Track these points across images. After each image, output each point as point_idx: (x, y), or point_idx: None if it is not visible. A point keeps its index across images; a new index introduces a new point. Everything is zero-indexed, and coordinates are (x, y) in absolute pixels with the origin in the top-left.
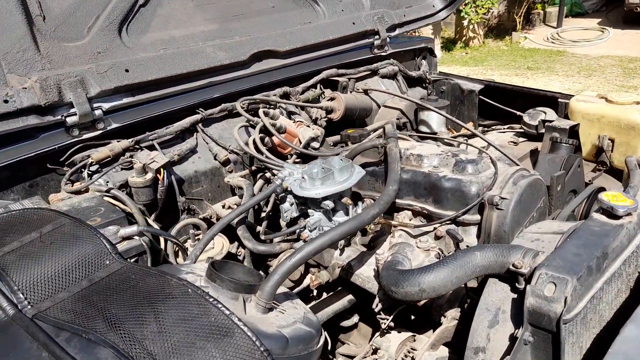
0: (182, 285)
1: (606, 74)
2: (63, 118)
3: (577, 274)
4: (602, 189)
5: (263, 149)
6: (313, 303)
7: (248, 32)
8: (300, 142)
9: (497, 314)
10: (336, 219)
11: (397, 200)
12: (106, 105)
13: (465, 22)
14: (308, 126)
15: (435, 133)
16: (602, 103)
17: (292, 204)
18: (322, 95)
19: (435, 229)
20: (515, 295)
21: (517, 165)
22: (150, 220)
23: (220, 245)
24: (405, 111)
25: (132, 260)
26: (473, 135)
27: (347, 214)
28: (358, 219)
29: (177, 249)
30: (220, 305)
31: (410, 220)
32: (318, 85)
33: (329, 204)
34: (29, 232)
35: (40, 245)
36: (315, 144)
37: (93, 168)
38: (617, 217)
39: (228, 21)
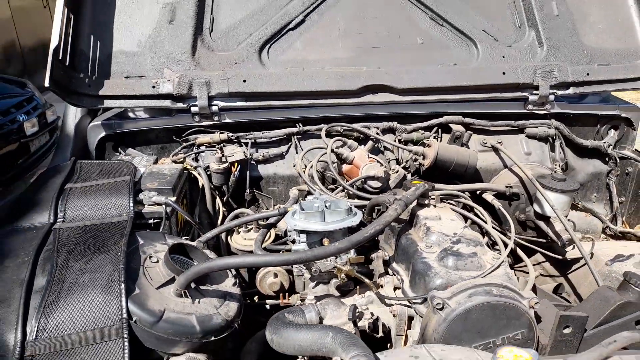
0: (118, 250)
1: None
2: (188, 107)
3: None
4: None
5: (314, 171)
6: None
7: (379, 65)
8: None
9: None
10: None
11: (393, 264)
12: (222, 104)
13: None
14: (382, 165)
15: (548, 217)
16: None
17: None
18: (436, 139)
19: (392, 305)
20: None
21: (596, 281)
22: (219, 201)
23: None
24: (526, 181)
25: (155, 221)
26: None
27: None
28: (286, 256)
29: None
30: (122, 271)
31: (395, 289)
32: (434, 130)
33: (302, 238)
34: (108, 177)
35: (101, 187)
36: (375, 184)
37: (202, 148)
38: None
39: (365, 52)
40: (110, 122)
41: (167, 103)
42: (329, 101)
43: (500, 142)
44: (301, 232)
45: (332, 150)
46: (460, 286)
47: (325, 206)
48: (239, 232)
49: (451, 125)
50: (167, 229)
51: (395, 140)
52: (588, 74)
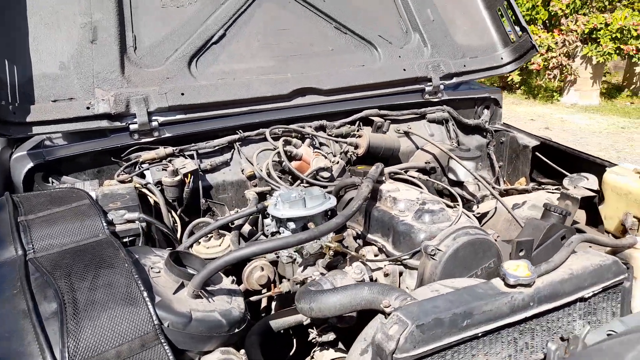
0: (123, 261)
1: None
2: (127, 125)
3: (419, 321)
4: None
5: (271, 170)
6: (280, 312)
7: (300, 70)
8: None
9: (368, 344)
10: None
11: (368, 235)
12: (161, 119)
13: (638, 69)
14: (325, 157)
15: (462, 182)
16: (633, 179)
17: (272, 220)
18: (359, 130)
19: (384, 266)
20: None
21: (519, 224)
22: (174, 214)
23: (226, 244)
24: (439, 157)
25: (130, 239)
26: (524, 191)
27: None
28: (283, 240)
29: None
30: (138, 281)
31: (375, 255)
32: (357, 123)
33: (290, 225)
34: (62, 205)
35: (61, 215)
36: (325, 174)
37: (145, 166)
38: (510, 286)
39: (285, 60)
40: (37, 151)
41: (104, 123)
42: (264, 106)
43: (410, 128)
44: (288, 220)
45: (283, 150)
46: (444, 233)
47: (299, 194)
48: (199, 243)
49: (371, 117)
50: (138, 243)
51: (328, 136)
52: (465, 66)
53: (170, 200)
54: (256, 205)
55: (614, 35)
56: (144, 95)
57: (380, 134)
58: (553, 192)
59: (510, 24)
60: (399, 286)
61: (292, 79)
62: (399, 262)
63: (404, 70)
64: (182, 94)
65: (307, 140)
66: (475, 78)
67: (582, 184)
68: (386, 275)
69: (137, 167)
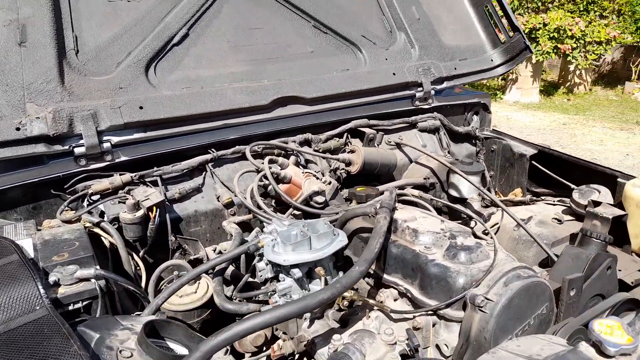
0: (78, 357)
1: None
2: (71, 148)
3: None
4: (635, 301)
5: (257, 197)
6: None
7: (278, 77)
8: (303, 194)
9: None
10: (311, 286)
11: (385, 276)
12: (115, 139)
13: (572, 67)
14: (318, 178)
15: (465, 199)
16: None
17: (267, 264)
18: (348, 146)
19: (413, 317)
20: None
21: (544, 249)
22: (136, 257)
23: (203, 290)
24: (436, 170)
25: (85, 303)
26: (520, 203)
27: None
28: (301, 303)
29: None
30: None
31: (395, 300)
32: (345, 135)
33: (296, 273)
34: None
35: None
36: (320, 199)
37: (95, 198)
38: (608, 357)
39: (260, 64)
40: None
41: (40, 147)
42: (241, 119)
43: (401, 139)
44: (292, 266)
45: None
46: (492, 278)
47: (303, 232)
48: None
49: (360, 128)
50: (102, 310)
51: (314, 151)
52: (455, 69)
53: (131, 241)
54: (248, 247)
55: (551, 35)
56: (91, 110)
57: (374, 148)
58: (554, 204)
59: (499, 23)
60: (432, 341)
61: (271, 86)
62: (432, 313)
63: (394, 74)
64: (141, 108)
65: (292, 158)
66: (467, 82)
67: (593, 197)
68: (416, 329)
69: (85, 201)
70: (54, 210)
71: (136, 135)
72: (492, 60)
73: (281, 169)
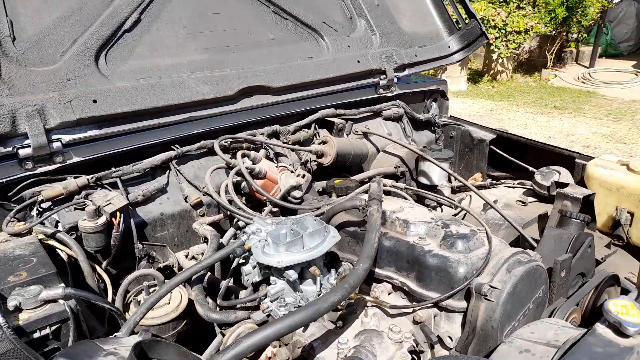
0: None
1: (636, 119)
2: (15, 150)
3: None
4: (615, 277)
5: (234, 196)
6: None
7: (241, 65)
8: (280, 190)
9: None
10: (303, 287)
11: (377, 270)
12: (67, 138)
13: (495, 56)
14: (292, 172)
15: (435, 186)
16: (623, 172)
17: (254, 267)
18: (316, 136)
19: (414, 311)
20: None
21: (521, 233)
22: (99, 269)
23: (177, 300)
24: (405, 159)
25: (54, 328)
26: (481, 188)
27: (315, 283)
28: (312, 308)
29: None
30: None
31: (389, 294)
32: (313, 126)
33: (291, 274)
34: None
35: None
36: (297, 193)
37: (45, 205)
38: (627, 336)
39: (221, 52)
40: None
41: None
42: (205, 112)
43: (367, 128)
44: (286, 268)
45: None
46: (495, 265)
47: (294, 230)
48: (138, 302)
49: (329, 118)
50: (74, 335)
51: (284, 144)
52: (416, 56)
53: (92, 252)
54: (234, 251)
55: None
56: (37, 105)
57: (345, 139)
58: (514, 187)
59: (455, 10)
60: (434, 333)
61: (235, 75)
62: (432, 305)
63: (358, 62)
64: (95, 102)
65: (262, 152)
66: (427, 69)
67: (554, 178)
68: (417, 322)
69: (34, 209)
70: None
71: (90, 133)
72: (449, 47)
73: (253, 164)
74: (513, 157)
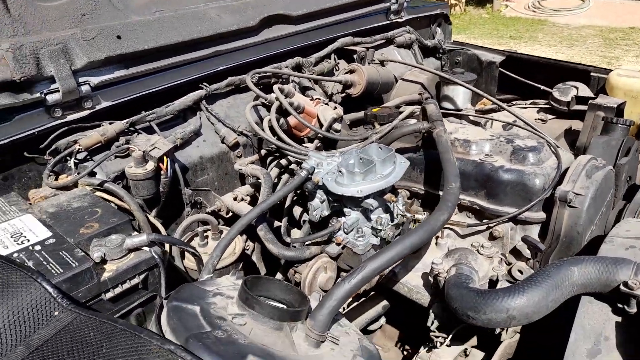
0: (164, 353)
1: (588, 44)
2: (43, 96)
3: None
4: None
5: (281, 132)
6: (345, 311)
7: None
8: (320, 124)
9: (598, 341)
10: (375, 216)
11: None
12: (95, 80)
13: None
14: (327, 104)
15: (460, 110)
16: None
17: (322, 201)
18: (337, 67)
19: (489, 227)
20: (620, 319)
21: (556, 147)
22: (151, 218)
23: (232, 245)
24: (426, 85)
25: (142, 276)
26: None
27: (386, 211)
28: (427, 227)
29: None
30: None
31: (455, 215)
32: (332, 56)
33: (372, 203)
34: None
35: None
36: (338, 126)
37: (80, 156)
38: None
39: None
40: None
41: (3, 99)
42: (229, 45)
43: (383, 55)
44: (366, 197)
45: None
46: (574, 172)
47: (363, 159)
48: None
49: (348, 47)
50: (164, 282)
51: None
52: None
53: (141, 201)
54: (305, 185)
55: None
56: (60, 44)
57: (372, 67)
58: (526, 107)
59: None
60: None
61: (254, 4)
62: (509, 219)
63: None
64: (119, 37)
65: (292, 85)
66: None
67: (573, 94)
68: (495, 238)
69: (72, 160)
70: (30, 179)
71: (117, 73)
72: None
73: (287, 98)
74: (522, 77)
